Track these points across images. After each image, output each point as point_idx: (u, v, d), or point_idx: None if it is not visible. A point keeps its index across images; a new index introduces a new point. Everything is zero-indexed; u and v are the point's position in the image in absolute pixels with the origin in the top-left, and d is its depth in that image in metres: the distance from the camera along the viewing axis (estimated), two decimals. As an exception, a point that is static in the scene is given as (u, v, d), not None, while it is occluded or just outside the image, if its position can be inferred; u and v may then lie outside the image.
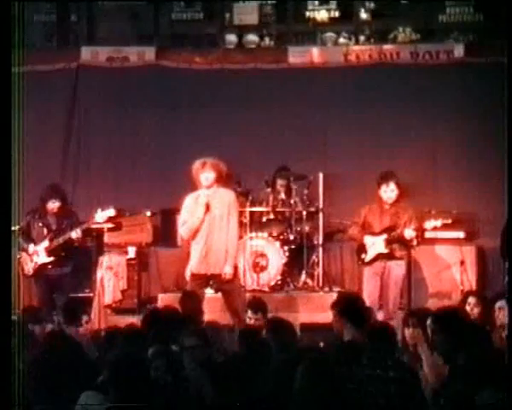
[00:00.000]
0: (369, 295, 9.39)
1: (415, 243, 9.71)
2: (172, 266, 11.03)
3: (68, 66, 12.35)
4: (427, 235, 10.23)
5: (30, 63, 11.15)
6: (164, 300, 10.36)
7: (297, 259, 10.91)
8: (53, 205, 9.66)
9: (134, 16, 12.85)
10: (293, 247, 10.87)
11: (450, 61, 11.91)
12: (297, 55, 12.24)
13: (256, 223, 10.90)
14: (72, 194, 11.80)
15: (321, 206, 11.09)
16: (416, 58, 11.96)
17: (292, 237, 10.92)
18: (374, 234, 9.64)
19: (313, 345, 7.21)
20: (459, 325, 5.93)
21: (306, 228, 10.95)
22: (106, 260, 10.86)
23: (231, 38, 12.78)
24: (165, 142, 12.18)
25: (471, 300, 8.75)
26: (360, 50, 12.21)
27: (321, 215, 11.10)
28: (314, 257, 10.97)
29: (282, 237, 10.86)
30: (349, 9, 12.69)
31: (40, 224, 9.70)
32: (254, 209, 10.89)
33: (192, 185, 9.40)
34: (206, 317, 8.31)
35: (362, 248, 9.73)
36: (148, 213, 11.45)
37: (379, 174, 9.80)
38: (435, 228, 9.82)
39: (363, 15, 12.66)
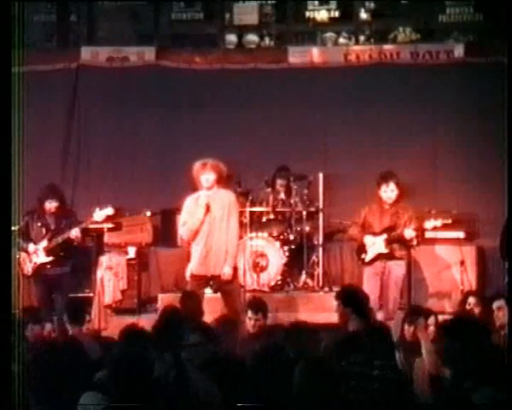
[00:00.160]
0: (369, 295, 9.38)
1: (415, 243, 9.71)
2: (172, 266, 11.03)
3: (68, 66, 12.36)
4: (427, 235, 10.22)
5: (30, 63, 11.12)
6: (164, 300, 10.36)
7: (297, 259, 10.91)
8: (50, 205, 9.66)
9: (134, 16, 12.85)
10: (293, 247, 10.88)
11: (450, 61, 11.91)
12: (297, 55, 12.25)
13: (256, 223, 10.91)
14: (72, 194, 11.83)
15: (321, 206, 11.09)
16: (415, 58, 11.96)
17: (292, 237, 10.92)
18: (374, 234, 9.63)
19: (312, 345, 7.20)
20: (464, 334, 5.93)
21: (306, 228, 10.95)
22: (106, 260, 10.85)
23: (231, 38, 12.78)
24: (165, 142, 12.19)
25: (471, 300, 8.77)
26: (360, 50, 12.22)
27: (321, 215, 11.10)
28: (314, 257, 10.97)
29: (282, 237, 10.86)
30: (349, 9, 12.69)
31: (39, 224, 9.70)
32: (254, 209, 10.89)
33: (192, 186, 9.40)
34: (206, 317, 8.31)
35: (362, 249, 9.73)
36: (148, 214, 11.45)
37: (379, 174, 9.79)
38: (435, 228, 9.81)
39: (363, 15, 12.66)
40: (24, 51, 9.97)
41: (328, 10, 12.66)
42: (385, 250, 9.56)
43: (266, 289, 10.54)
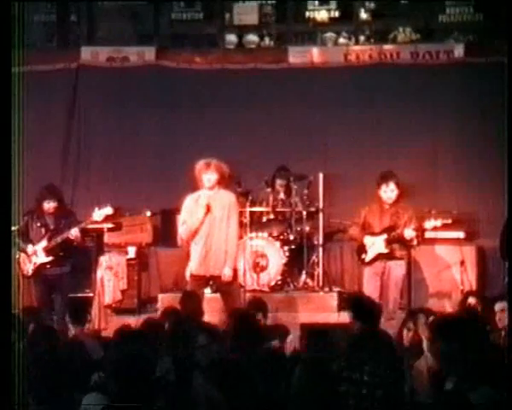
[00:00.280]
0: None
1: (415, 243, 9.71)
2: (172, 266, 11.03)
3: (68, 66, 12.35)
4: (427, 235, 10.22)
5: (30, 63, 11.14)
6: (164, 300, 10.36)
7: (297, 259, 10.91)
8: (48, 205, 9.66)
9: (134, 16, 12.85)
10: (293, 247, 10.87)
11: (450, 61, 11.91)
12: (297, 55, 12.24)
13: (256, 223, 10.90)
14: (72, 194, 11.83)
15: (321, 206, 11.09)
16: (415, 58, 11.96)
17: (292, 237, 10.92)
18: (374, 234, 9.63)
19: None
20: (459, 333, 5.92)
21: (306, 228, 10.95)
22: (106, 260, 10.85)
23: (231, 38, 12.78)
24: (165, 142, 12.18)
25: (471, 300, 8.77)
26: (360, 50, 12.21)
27: (321, 215, 11.10)
28: (314, 257, 10.97)
29: (282, 237, 10.86)
30: (349, 9, 12.69)
31: (38, 224, 9.70)
32: (254, 209, 10.89)
33: (192, 185, 9.40)
34: (206, 317, 8.32)
35: (362, 249, 9.72)
36: (148, 214, 11.46)
37: (379, 174, 9.80)
38: (435, 228, 9.81)
39: (363, 15, 12.66)
40: (24, 51, 9.98)
41: (328, 10, 12.66)
42: (385, 250, 9.56)
43: (266, 289, 10.54)
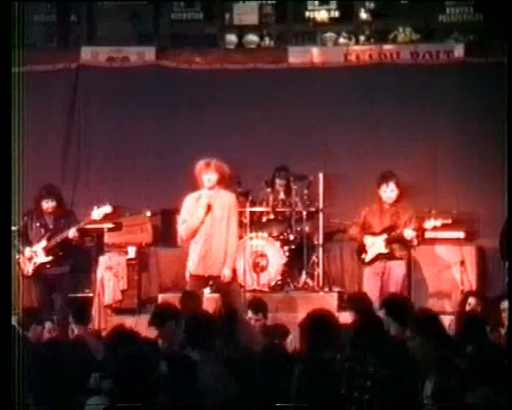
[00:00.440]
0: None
1: (415, 243, 9.72)
2: (172, 266, 11.03)
3: (68, 66, 12.34)
4: (427, 235, 10.23)
5: (30, 63, 11.15)
6: (164, 300, 10.35)
7: (297, 259, 10.91)
8: (47, 205, 9.66)
9: (134, 16, 12.85)
10: (293, 247, 10.87)
11: (450, 61, 11.90)
12: (297, 55, 12.24)
13: (256, 223, 10.90)
14: (72, 194, 11.83)
15: (321, 206, 11.09)
16: (415, 58, 11.95)
17: (292, 237, 10.92)
18: (374, 234, 9.64)
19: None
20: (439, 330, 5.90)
21: (306, 228, 10.94)
22: (106, 260, 10.86)
23: (231, 38, 12.78)
24: (165, 142, 12.18)
25: (471, 300, 8.78)
26: (360, 50, 12.21)
27: (321, 215, 11.10)
28: (314, 257, 10.97)
29: (282, 237, 10.85)
30: (349, 9, 12.69)
31: (37, 224, 9.70)
32: (254, 209, 10.88)
33: (192, 185, 9.40)
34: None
35: (362, 249, 9.73)
36: (148, 213, 11.45)
37: (379, 174, 9.80)
38: (435, 228, 9.82)
39: (363, 15, 12.66)
40: (24, 51, 10.00)
41: (328, 10, 12.65)
42: (385, 250, 9.57)
43: (266, 289, 10.53)
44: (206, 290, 9.67)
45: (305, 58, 12.24)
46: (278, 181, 11.22)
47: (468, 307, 8.64)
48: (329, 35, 12.63)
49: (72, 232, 9.54)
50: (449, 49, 12.00)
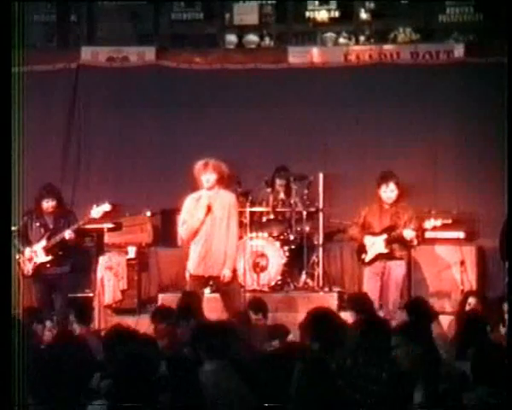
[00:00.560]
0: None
1: (415, 243, 9.71)
2: (172, 266, 11.03)
3: (68, 66, 12.35)
4: (427, 235, 10.23)
5: (30, 63, 11.15)
6: (164, 300, 10.36)
7: (297, 259, 10.91)
8: (47, 205, 9.66)
9: (134, 16, 12.86)
10: (293, 247, 10.87)
11: (450, 61, 11.91)
12: (297, 55, 12.24)
13: (256, 223, 10.90)
14: (72, 194, 11.83)
15: (321, 206, 11.09)
16: (415, 58, 11.96)
17: (292, 237, 10.92)
18: (374, 234, 9.63)
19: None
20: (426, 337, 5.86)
21: (306, 228, 10.95)
22: (106, 260, 10.86)
23: (231, 38, 12.79)
24: (165, 142, 12.18)
25: (471, 300, 8.77)
26: (360, 50, 12.21)
27: (321, 215, 11.10)
28: (314, 257, 10.97)
29: (282, 237, 10.86)
30: (349, 9, 12.70)
31: (37, 224, 9.70)
32: (254, 209, 10.89)
33: (192, 185, 9.40)
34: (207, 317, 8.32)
35: (362, 249, 9.73)
36: (148, 214, 11.45)
37: (379, 174, 9.80)
38: (435, 228, 9.81)
39: (363, 15, 12.67)
40: (24, 51, 9.99)
41: (328, 10, 12.66)
42: (385, 250, 9.56)
43: (266, 289, 10.54)
44: (206, 290, 9.67)
45: (305, 58, 12.24)
46: (278, 181, 11.23)
47: (468, 307, 8.63)
48: (329, 35, 12.64)
49: (68, 234, 9.52)
50: (449, 49, 12.00)
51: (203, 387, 5.41)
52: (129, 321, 9.36)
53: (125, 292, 10.86)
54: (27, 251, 9.65)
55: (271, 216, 10.95)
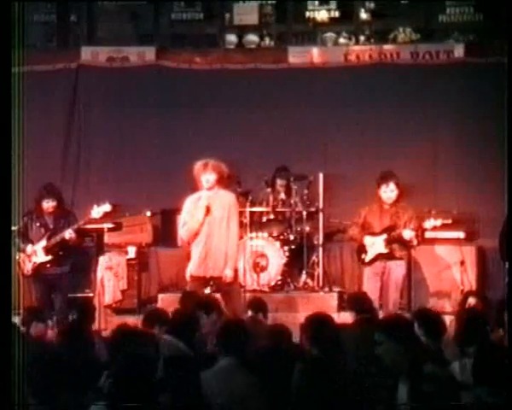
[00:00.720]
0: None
1: (415, 243, 9.70)
2: (172, 267, 11.03)
3: (68, 66, 12.35)
4: (427, 235, 10.22)
5: (30, 63, 11.16)
6: (164, 300, 10.37)
7: (297, 259, 10.91)
8: (47, 205, 9.66)
9: (134, 16, 12.87)
10: (293, 247, 10.88)
11: (450, 61, 11.91)
12: (297, 55, 12.25)
13: (256, 223, 10.91)
14: (72, 194, 11.84)
15: (321, 206, 11.09)
16: (415, 58, 11.96)
17: (292, 237, 10.93)
18: (374, 234, 9.63)
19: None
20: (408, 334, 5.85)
21: (306, 228, 10.95)
22: (106, 260, 10.86)
23: (231, 38, 12.79)
24: (165, 142, 12.18)
25: (471, 300, 8.76)
26: (360, 50, 12.22)
27: (321, 215, 11.10)
28: (314, 257, 10.97)
29: (282, 237, 10.86)
30: (349, 9, 12.71)
31: (37, 224, 9.70)
32: (254, 209, 10.89)
33: (192, 186, 9.40)
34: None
35: (362, 249, 9.72)
36: (148, 214, 11.46)
37: (379, 174, 9.79)
38: (435, 228, 9.81)
39: (363, 15, 12.67)
40: (24, 51, 10.01)
41: (328, 10, 12.66)
42: (385, 250, 9.55)
43: (266, 289, 10.54)
44: (207, 291, 9.66)
45: (305, 58, 12.25)
46: (278, 181, 11.23)
47: (467, 307, 8.62)
48: (329, 35, 12.65)
49: (68, 234, 9.52)
50: (449, 49, 12.01)
51: (210, 386, 5.40)
52: (129, 321, 9.36)
53: (125, 292, 10.86)
54: (27, 251, 9.65)
55: (271, 216, 10.96)
